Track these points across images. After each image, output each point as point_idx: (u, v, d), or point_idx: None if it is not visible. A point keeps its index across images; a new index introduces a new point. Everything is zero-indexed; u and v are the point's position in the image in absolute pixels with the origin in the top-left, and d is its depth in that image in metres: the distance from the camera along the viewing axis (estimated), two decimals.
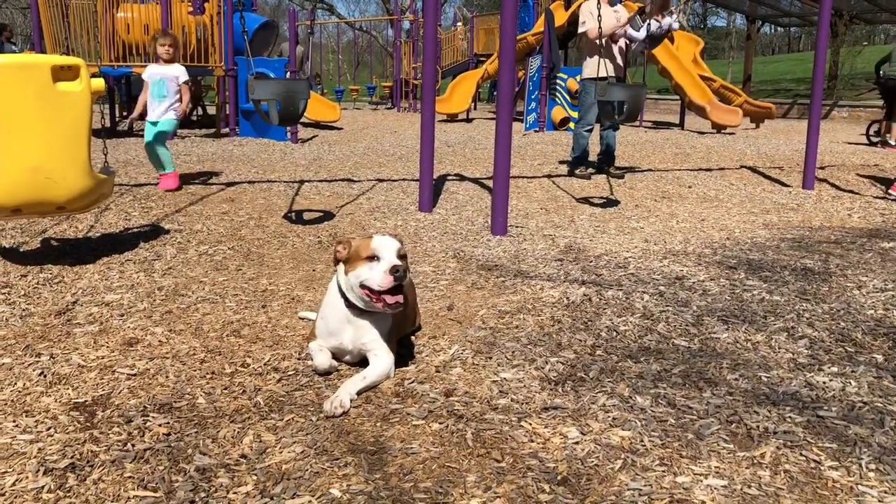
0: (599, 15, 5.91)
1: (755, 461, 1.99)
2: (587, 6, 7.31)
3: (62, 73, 3.42)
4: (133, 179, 6.56)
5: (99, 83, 3.56)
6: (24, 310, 3.18)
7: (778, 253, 4.43)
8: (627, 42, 7.19)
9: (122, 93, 13.07)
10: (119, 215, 5.04)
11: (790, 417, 2.24)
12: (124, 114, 13.05)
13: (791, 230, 5.23)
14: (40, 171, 3.42)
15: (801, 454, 2.03)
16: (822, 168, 8.24)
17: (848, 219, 5.74)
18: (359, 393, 2.36)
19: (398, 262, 2.40)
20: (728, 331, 3.02)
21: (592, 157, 7.88)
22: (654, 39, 6.97)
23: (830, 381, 2.53)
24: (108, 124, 10.62)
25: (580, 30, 7.47)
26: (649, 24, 6.73)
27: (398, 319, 2.62)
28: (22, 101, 3.32)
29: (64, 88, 3.43)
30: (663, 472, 1.93)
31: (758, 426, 2.18)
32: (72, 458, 1.96)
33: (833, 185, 7.43)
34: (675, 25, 6.93)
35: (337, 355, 2.61)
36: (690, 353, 2.78)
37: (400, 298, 2.43)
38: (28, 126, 3.37)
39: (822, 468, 1.96)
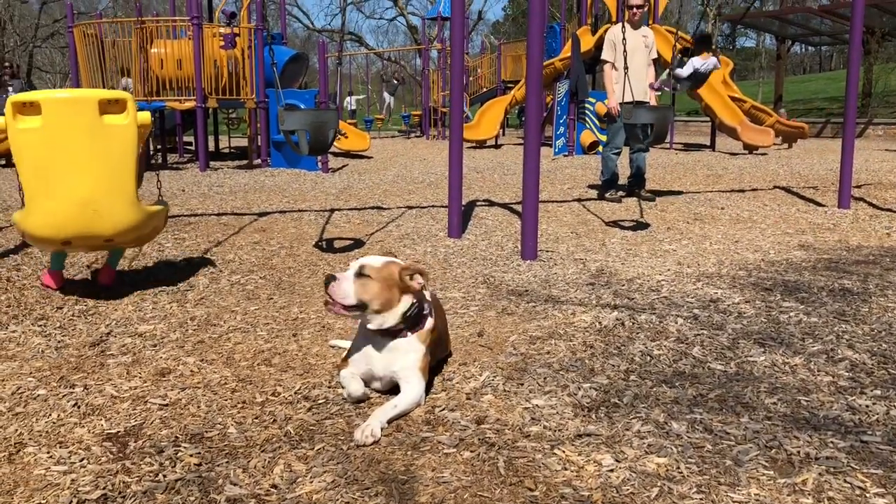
0: (624, 39, 5.91)
1: (797, 488, 1.93)
2: (612, 33, 7.31)
3: (109, 107, 3.46)
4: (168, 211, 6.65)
5: (145, 116, 3.59)
6: (59, 341, 3.22)
7: (814, 273, 4.34)
8: (675, 84, 7.40)
9: (156, 127, 13.33)
10: (153, 246, 5.11)
11: (832, 443, 2.18)
12: (157, 147, 13.30)
13: (827, 250, 5.13)
14: (89, 204, 3.45)
15: (844, 481, 1.96)
16: (857, 187, 8.10)
17: (886, 238, 5.62)
18: (389, 421, 2.35)
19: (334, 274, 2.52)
20: (765, 354, 2.96)
21: (622, 180, 7.84)
22: (697, 80, 6.99)
23: (874, 404, 2.46)
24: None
25: (602, 56, 7.47)
26: (693, 64, 6.89)
27: (431, 346, 2.60)
28: (71, 135, 3.37)
29: (111, 122, 3.46)
30: (701, 499, 1.88)
31: (798, 452, 2.12)
32: (104, 489, 1.96)
33: (870, 203, 7.29)
34: (719, 66, 7.26)
35: (366, 381, 2.60)
36: (727, 376, 2.73)
37: (327, 301, 2.51)
38: (76, 160, 3.41)
39: (867, 495, 1.89)
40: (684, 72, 6.90)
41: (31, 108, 3.32)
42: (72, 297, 3.84)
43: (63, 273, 4.07)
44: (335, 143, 13.86)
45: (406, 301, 2.50)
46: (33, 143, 3.34)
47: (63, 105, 3.37)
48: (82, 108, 3.38)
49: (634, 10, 7.18)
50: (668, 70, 7.67)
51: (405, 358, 2.52)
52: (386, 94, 28.14)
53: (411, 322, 2.53)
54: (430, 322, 2.59)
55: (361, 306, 2.48)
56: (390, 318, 2.49)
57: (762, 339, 3.13)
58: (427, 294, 2.65)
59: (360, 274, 2.48)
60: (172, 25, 11.52)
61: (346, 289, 2.46)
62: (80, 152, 3.40)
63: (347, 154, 14.01)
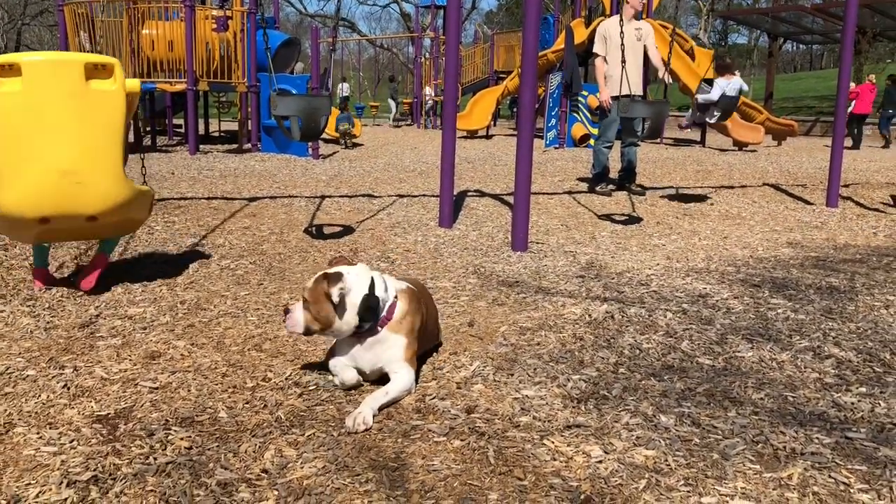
0: (622, 32, 5.91)
1: (782, 483, 1.95)
2: (604, 27, 7.30)
3: (96, 72, 3.25)
4: (157, 194, 6.61)
5: (134, 84, 3.38)
6: (48, 322, 3.21)
7: (802, 271, 4.38)
8: (703, 117, 6.89)
9: (146, 108, 13.23)
10: (142, 229, 5.09)
11: (818, 438, 2.20)
12: (147, 129, 13.20)
13: (815, 248, 5.17)
14: (70, 174, 3.22)
15: (829, 476, 1.99)
16: (846, 186, 8.16)
17: (873, 237, 5.67)
18: (381, 409, 2.35)
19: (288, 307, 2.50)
20: (752, 349, 2.98)
21: (613, 173, 7.86)
22: (727, 105, 6.62)
23: (859, 401, 2.49)
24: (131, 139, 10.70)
25: (593, 49, 7.47)
26: (719, 86, 6.47)
27: (413, 333, 2.57)
28: (53, 100, 3.16)
29: (97, 87, 3.25)
30: (688, 492, 1.90)
31: (784, 447, 2.15)
32: (94, 470, 1.96)
33: (857, 203, 7.35)
34: (746, 88, 6.89)
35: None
36: (715, 371, 2.75)
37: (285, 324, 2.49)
38: (59, 127, 3.19)
39: (851, 491, 1.92)
40: (713, 95, 6.51)
41: (10, 71, 3.09)
42: (60, 278, 3.82)
43: (48, 270, 3.82)
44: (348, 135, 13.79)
45: (352, 305, 2.41)
46: (12, 108, 3.11)
47: (45, 68, 3.15)
48: (66, 71, 3.17)
49: (636, 1, 7.18)
50: (692, 106, 7.03)
51: (389, 352, 2.51)
52: (390, 101, 28.31)
53: (372, 316, 2.45)
54: (400, 308, 2.54)
55: (313, 330, 2.47)
56: (344, 328, 2.45)
57: (750, 335, 3.16)
58: (391, 286, 2.57)
59: (304, 301, 2.45)
60: (164, 7, 11.41)
61: (296, 318, 2.45)
62: (62, 118, 3.18)
63: (337, 141, 13.96)
